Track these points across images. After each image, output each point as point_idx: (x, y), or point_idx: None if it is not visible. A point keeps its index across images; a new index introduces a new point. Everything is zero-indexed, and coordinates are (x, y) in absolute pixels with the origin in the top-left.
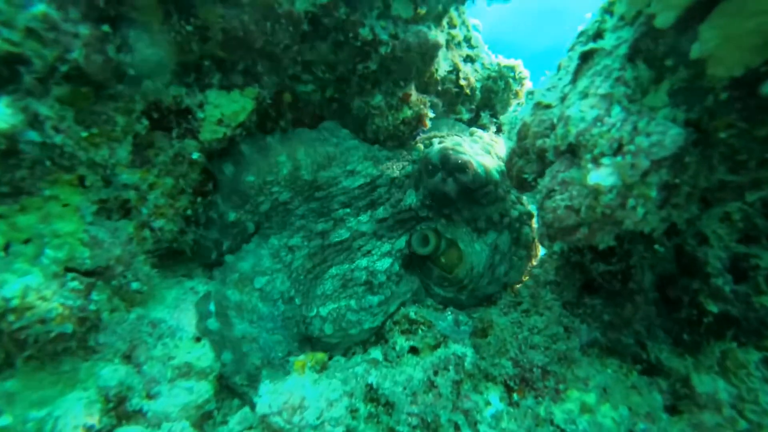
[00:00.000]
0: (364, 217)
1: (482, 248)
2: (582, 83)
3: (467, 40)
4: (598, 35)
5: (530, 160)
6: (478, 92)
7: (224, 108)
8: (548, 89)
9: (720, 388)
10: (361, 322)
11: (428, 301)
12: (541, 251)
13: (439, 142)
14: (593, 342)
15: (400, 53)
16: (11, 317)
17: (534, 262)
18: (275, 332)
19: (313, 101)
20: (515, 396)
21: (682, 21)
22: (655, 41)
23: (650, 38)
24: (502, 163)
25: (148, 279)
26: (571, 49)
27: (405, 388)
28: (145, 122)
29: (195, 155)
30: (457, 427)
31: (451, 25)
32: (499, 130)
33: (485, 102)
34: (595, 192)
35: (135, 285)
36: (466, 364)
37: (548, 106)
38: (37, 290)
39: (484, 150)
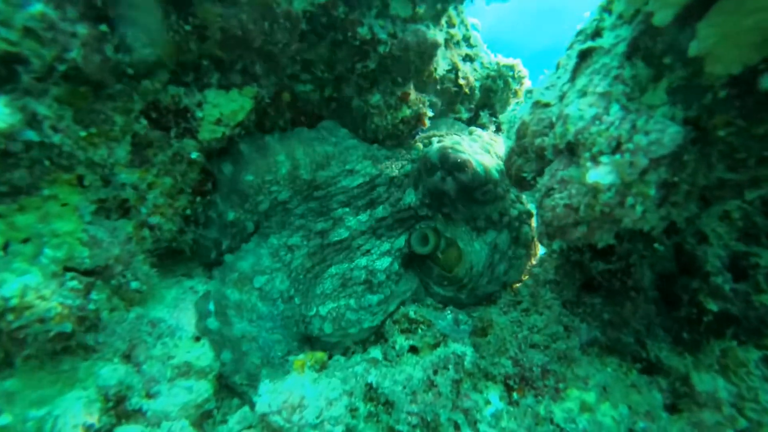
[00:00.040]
0: (363, 216)
1: (481, 247)
2: (581, 82)
3: (466, 39)
4: (596, 34)
5: (529, 158)
6: (477, 91)
7: (223, 107)
8: (547, 88)
9: (720, 387)
10: (361, 321)
11: (428, 300)
12: (540, 250)
13: (438, 141)
14: (593, 341)
15: (399, 52)
16: (10, 316)
17: (533, 261)
18: (275, 331)
19: (311, 100)
20: (515, 395)
21: (680, 19)
22: (653, 39)
23: (649, 36)
24: (501, 162)
25: (147, 278)
26: (570, 47)
27: (405, 387)
28: (144, 122)
29: (194, 155)
30: (456, 426)
31: (450, 24)
32: (498, 129)
33: (484, 101)
34: (594, 190)
35: (134, 284)
36: (465, 363)
37: (547, 105)
38: (36, 289)
39: (484, 149)
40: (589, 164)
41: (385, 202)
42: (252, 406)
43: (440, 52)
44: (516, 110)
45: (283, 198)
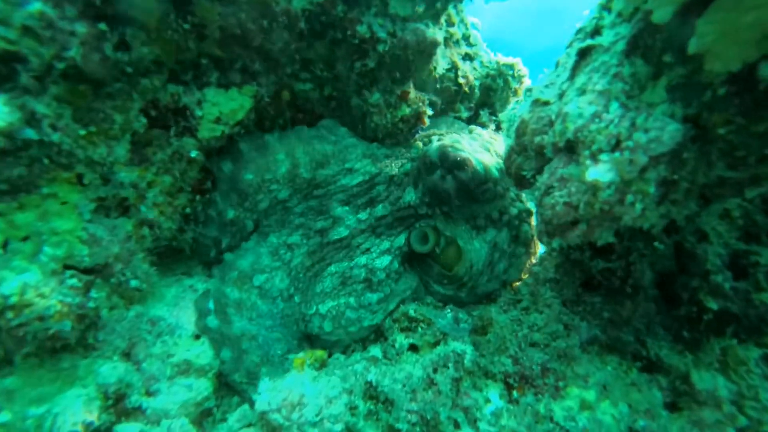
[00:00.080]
0: (363, 215)
1: (481, 246)
2: (580, 80)
3: (466, 38)
4: (596, 32)
5: (529, 157)
6: (477, 90)
7: (222, 106)
8: (546, 86)
9: (720, 385)
10: (361, 320)
11: (428, 298)
12: (540, 249)
13: (438, 140)
14: (593, 339)
15: (398, 51)
16: (10, 314)
17: (533, 260)
18: (274, 330)
19: (311, 99)
20: (515, 393)
21: (679, 16)
22: (652, 37)
23: (648, 34)
24: (501, 161)
25: (147, 277)
26: (570, 46)
27: (404, 386)
28: (143, 120)
29: (193, 153)
30: (456, 424)
31: (450, 23)
32: (498, 128)
33: (484, 100)
34: (594, 188)
35: (134, 283)
36: (465, 361)
37: (546, 103)
38: (35, 287)
39: (483, 147)
40: (588, 162)
41: (384, 200)
42: (251, 404)
43: (440, 50)
44: (516, 109)
45: (282, 196)
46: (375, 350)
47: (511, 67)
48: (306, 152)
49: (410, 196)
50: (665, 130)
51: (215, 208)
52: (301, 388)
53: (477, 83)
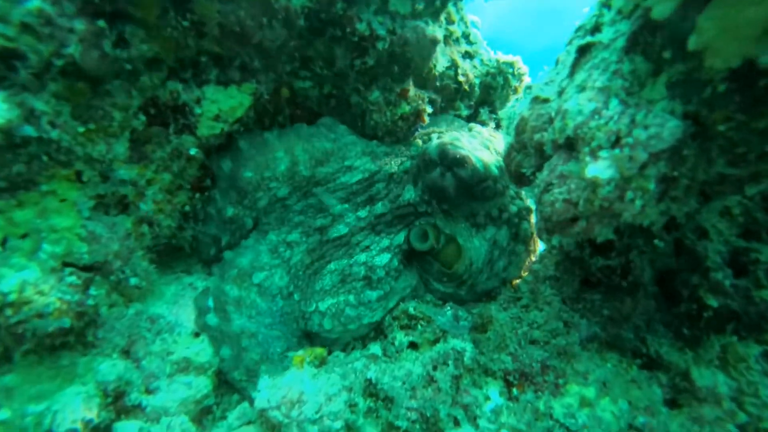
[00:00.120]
0: (362, 213)
1: (481, 243)
2: (579, 77)
3: (466, 36)
4: (596, 29)
5: (528, 154)
6: (476, 88)
7: (221, 104)
8: (546, 83)
9: (720, 382)
10: (360, 317)
11: (427, 296)
12: (540, 247)
13: (438, 138)
14: (593, 337)
15: (398, 48)
16: (9, 311)
17: (533, 258)
18: (274, 328)
19: (311, 97)
20: (515, 391)
21: (679, 12)
22: (652, 34)
23: (648, 31)
24: (500, 159)
25: (146, 275)
26: (569, 43)
27: (404, 383)
28: (142, 118)
29: (193, 151)
30: (456, 421)
31: (449, 21)
32: (498, 127)
33: (484, 98)
34: (593, 185)
35: (133, 280)
36: (465, 359)
37: (546, 100)
38: (34, 285)
39: (483, 145)
40: (588, 159)
41: (384, 198)
42: (251, 401)
43: (439, 48)
44: (515, 106)
45: (282, 194)
46: (375, 348)
47: (511, 65)
48: (305, 150)
49: (410, 193)
50: (665, 127)
51: (214, 205)
52: (300, 386)
53: (477, 81)
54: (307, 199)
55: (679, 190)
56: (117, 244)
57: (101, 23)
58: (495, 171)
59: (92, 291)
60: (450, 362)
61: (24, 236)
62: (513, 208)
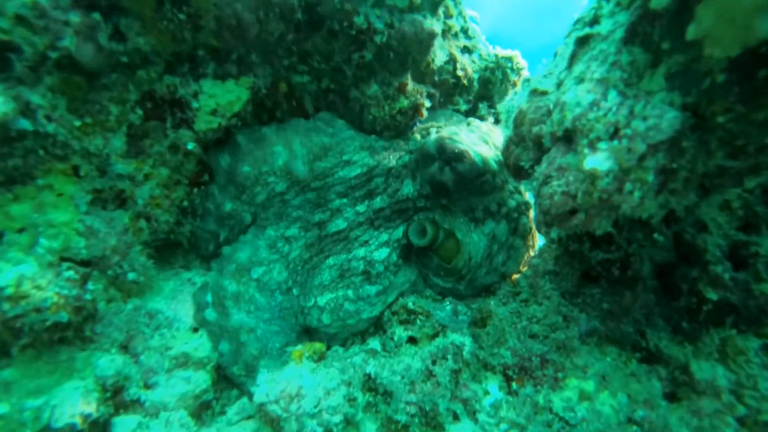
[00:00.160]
0: (361, 207)
1: (480, 238)
2: (578, 68)
3: (464, 31)
4: (594, 21)
5: (527, 147)
6: (475, 83)
7: (219, 98)
8: (544, 76)
9: (719, 375)
10: (359, 312)
11: (427, 291)
12: (539, 241)
13: (436, 132)
14: (592, 331)
15: (396, 42)
16: (6, 306)
17: (532, 252)
18: (273, 322)
19: (309, 91)
20: (514, 385)
21: (678, 2)
22: (651, 24)
23: (647, 22)
24: (499, 153)
25: (144, 270)
26: (568, 35)
27: (403, 378)
28: (140, 112)
29: (190, 145)
30: (455, 415)
31: (448, 16)
32: (497, 121)
33: (483, 93)
34: (592, 177)
35: (131, 275)
36: (464, 353)
37: (544, 93)
38: (31, 279)
39: (482, 140)
40: (586, 151)
41: (383, 193)
42: (250, 396)
43: (438, 42)
44: (514, 99)
45: (280, 189)
46: (374, 342)
47: (509, 59)
48: (303, 144)
49: (408, 188)
50: (664, 118)
51: (213, 201)
52: (299, 380)
53: (475, 76)
54: (305, 193)
55: (678, 183)
56: (115, 238)
57: (96, 16)
58: (494, 165)
59: (90, 286)
60: (449, 357)
61: (21, 230)
62: (512, 203)
